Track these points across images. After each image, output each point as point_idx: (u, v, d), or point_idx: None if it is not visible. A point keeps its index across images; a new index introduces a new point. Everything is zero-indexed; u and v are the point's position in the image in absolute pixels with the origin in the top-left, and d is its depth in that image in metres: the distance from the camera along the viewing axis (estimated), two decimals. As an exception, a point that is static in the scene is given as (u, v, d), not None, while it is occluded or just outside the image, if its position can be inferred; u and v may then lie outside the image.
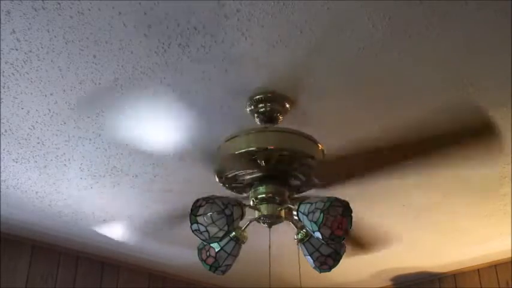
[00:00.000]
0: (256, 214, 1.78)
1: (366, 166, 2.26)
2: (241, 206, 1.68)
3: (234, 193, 1.89)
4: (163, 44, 1.58)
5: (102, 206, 2.58)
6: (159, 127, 1.99)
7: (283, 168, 1.76)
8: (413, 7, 1.46)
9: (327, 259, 1.82)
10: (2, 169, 2.24)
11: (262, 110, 1.83)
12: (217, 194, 1.68)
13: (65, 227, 2.81)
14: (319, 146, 1.78)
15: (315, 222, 1.59)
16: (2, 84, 1.75)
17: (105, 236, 2.93)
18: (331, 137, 2.03)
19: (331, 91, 1.81)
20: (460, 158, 2.21)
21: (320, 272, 1.86)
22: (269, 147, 1.71)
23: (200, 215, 1.62)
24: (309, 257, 1.84)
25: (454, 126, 2.01)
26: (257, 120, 1.87)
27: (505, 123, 1.99)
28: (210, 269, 1.84)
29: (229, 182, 1.84)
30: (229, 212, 1.63)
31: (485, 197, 2.53)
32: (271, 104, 1.82)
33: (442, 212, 2.68)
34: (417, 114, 1.94)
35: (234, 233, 1.79)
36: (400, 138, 2.08)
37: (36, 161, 2.19)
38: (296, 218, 1.70)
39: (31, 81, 1.74)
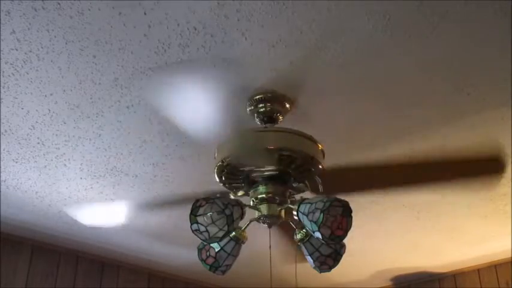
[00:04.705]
0: (256, 214, 1.78)
1: (364, 180, 2.27)
2: (241, 206, 1.68)
3: (233, 193, 1.89)
4: (163, 44, 1.58)
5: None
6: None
7: (283, 168, 1.76)
8: (413, 7, 1.46)
9: (327, 259, 1.82)
10: (2, 169, 2.24)
11: (262, 110, 1.83)
12: (217, 194, 1.68)
13: (65, 227, 2.81)
14: (319, 146, 1.77)
15: (315, 222, 1.59)
16: (2, 84, 1.75)
17: (105, 236, 2.93)
18: (331, 137, 2.04)
19: (331, 91, 1.81)
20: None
21: (320, 272, 1.86)
22: (269, 147, 1.71)
23: (200, 215, 1.62)
24: (309, 257, 1.83)
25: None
26: (257, 120, 1.87)
27: (505, 123, 1.99)
28: (210, 269, 1.84)
29: (229, 181, 1.84)
30: (229, 212, 1.63)
31: (485, 197, 2.53)
32: (271, 104, 1.82)
33: (442, 212, 2.68)
34: (417, 113, 1.94)
35: (234, 233, 1.79)
36: (399, 137, 2.08)
37: (36, 161, 2.19)
38: (296, 218, 1.70)
39: (31, 81, 1.74)
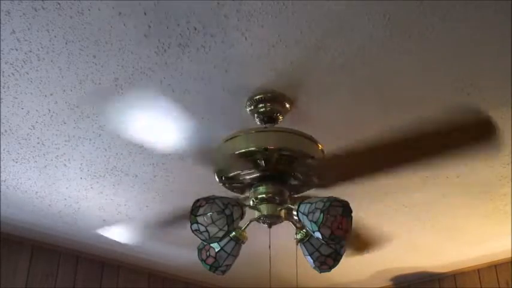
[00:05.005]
0: (256, 214, 1.78)
1: (366, 166, 2.26)
2: (241, 206, 1.68)
3: (234, 193, 1.89)
4: (163, 44, 1.58)
5: (102, 206, 2.58)
6: (159, 127, 1.99)
7: (283, 168, 1.76)
8: (413, 7, 1.46)
9: (327, 259, 1.82)
10: (2, 169, 2.24)
11: (262, 110, 1.83)
12: (217, 194, 1.68)
13: (65, 227, 2.81)
14: (319, 146, 1.78)
15: (315, 222, 1.59)
16: (2, 84, 1.75)
17: (105, 236, 2.93)
18: (331, 137, 2.03)
19: (331, 91, 1.81)
20: (459, 159, 2.21)
21: (320, 272, 1.86)
22: (269, 147, 1.71)
23: (200, 215, 1.62)
24: (309, 257, 1.83)
25: (453, 126, 2.01)
26: (257, 120, 1.87)
27: (505, 123, 1.99)
28: (210, 269, 1.84)
29: (229, 182, 1.84)
30: (229, 212, 1.63)
31: (485, 197, 2.53)
32: (271, 104, 1.82)
33: (442, 212, 2.68)
34: (417, 114, 1.94)
35: (234, 233, 1.79)
36: (399, 138, 2.08)
37: (36, 161, 2.19)
38: (296, 218, 1.70)
39: (31, 81, 1.74)
